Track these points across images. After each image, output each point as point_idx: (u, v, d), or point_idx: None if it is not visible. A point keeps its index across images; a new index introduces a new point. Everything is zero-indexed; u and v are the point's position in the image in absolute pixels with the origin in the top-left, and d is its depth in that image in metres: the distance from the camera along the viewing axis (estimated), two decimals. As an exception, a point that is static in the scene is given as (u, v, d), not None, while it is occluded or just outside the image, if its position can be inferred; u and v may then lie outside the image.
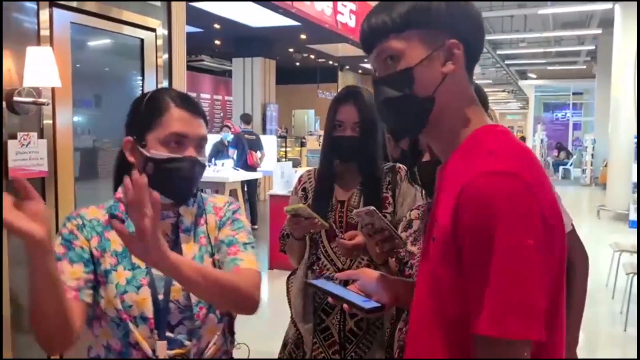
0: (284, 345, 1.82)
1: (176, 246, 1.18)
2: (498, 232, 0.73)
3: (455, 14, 0.87)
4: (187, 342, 1.15)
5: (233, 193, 7.01)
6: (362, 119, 1.70)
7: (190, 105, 1.17)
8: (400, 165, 1.82)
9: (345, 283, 1.32)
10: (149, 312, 1.12)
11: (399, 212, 1.73)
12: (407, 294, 1.05)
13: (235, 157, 7.69)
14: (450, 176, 0.85)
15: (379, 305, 1.09)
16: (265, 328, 2.71)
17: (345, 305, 1.09)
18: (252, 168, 7.58)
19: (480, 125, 0.88)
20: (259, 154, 7.78)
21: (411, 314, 0.93)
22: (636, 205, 7.56)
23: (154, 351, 1.12)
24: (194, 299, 1.15)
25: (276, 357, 1.83)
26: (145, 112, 1.15)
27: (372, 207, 1.28)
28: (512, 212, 0.74)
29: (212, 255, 1.20)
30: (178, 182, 1.15)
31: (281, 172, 5.89)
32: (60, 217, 2.41)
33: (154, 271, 1.13)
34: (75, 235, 1.15)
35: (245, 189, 7.71)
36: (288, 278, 1.86)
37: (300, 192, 1.85)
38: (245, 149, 7.59)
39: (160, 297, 1.13)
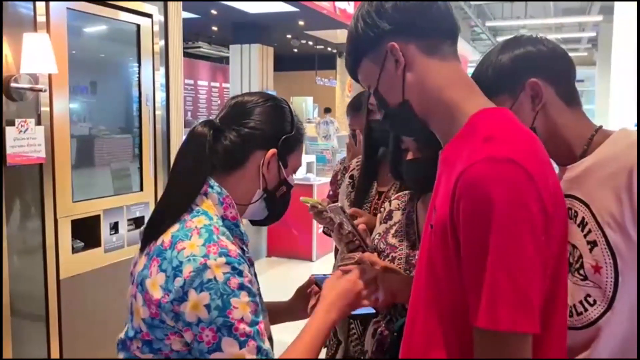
0: None
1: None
2: (494, 222, 0.70)
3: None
4: None
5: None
6: None
7: None
8: None
9: None
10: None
11: None
12: (405, 290, 1.02)
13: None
14: (448, 164, 0.83)
15: (372, 312, 1.04)
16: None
17: None
18: None
19: (477, 109, 0.83)
20: None
21: (410, 303, 0.91)
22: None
23: None
24: None
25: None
26: (295, 134, 1.09)
27: (338, 204, 1.25)
28: (509, 202, 0.71)
29: None
30: (286, 208, 1.16)
31: (279, 160, 5.90)
32: (58, 204, 2.41)
33: None
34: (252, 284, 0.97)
35: None
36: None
37: (348, 179, 1.84)
38: None
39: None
